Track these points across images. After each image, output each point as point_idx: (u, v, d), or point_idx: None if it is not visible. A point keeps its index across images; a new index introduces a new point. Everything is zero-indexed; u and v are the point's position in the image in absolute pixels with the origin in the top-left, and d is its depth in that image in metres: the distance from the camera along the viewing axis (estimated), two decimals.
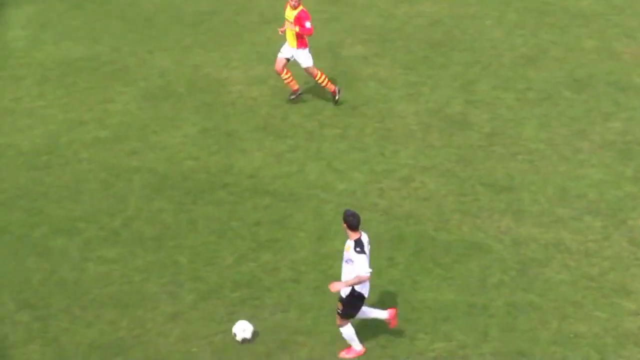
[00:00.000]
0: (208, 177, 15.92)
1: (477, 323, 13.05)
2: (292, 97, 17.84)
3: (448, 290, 13.58)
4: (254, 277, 13.79)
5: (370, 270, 11.91)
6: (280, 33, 17.59)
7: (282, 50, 17.53)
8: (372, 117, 17.48)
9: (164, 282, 13.72)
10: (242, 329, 12.59)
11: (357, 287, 12.02)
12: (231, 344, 12.64)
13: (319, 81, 17.67)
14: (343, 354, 12.51)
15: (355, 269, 11.84)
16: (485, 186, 15.68)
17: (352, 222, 11.87)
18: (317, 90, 18.09)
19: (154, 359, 12.46)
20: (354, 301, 12.08)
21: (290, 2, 17.16)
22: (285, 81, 17.77)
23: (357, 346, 12.47)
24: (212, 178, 15.91)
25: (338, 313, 12.20)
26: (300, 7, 17.16)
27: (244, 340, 12.59)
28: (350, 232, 11.97)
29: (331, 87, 17.71)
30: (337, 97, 17.69)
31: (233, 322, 12.91)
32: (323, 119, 17.42)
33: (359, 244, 11.88)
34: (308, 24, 17.16)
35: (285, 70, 17.63)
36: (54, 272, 13.83)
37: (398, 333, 12.84)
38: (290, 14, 17.31)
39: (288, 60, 17.54)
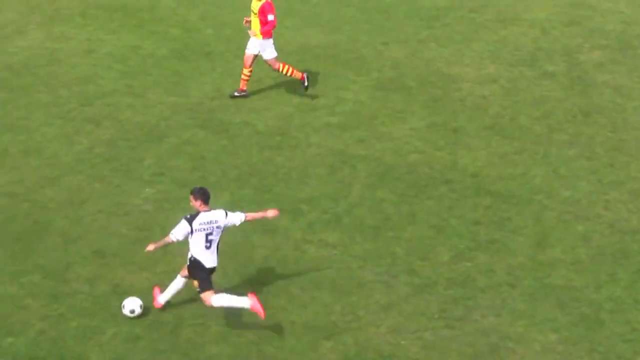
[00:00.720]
0: (431, 172, 15.57)
1: None
2: (236, 94, 17.27)
3: None
4: (468, 277, 13.33)
5: (177, 238, 11.78)
6: (245, 24, 17.11)
7: (248, 45, 17.06)
8: (604, 126, 16.50)
9: (379, 271, 13.52)
10: (130, 310, 12.37)
11: (193, 254, 11.88)
12: (440, 342, 12.28)
13: (284, 73, 17.06)
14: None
15: (172, 233, 11.84)
16: None
17: (204, 197, 11.85)
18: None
19: (364, 346, 12.28)
20: (193, 268, 11.90)
21: None
22: (243, 77, 17.22)
23: (244, 302, 11.99)
24: (436, 173, 15.54)
25: (199, 292, 12.00)
26: None
27: (138, 316, 12.42)
28: (203, 206, 11.84)
29: (297, 74, 17.09)
30: (306, 84, 17.12)
31: (444, 319, 12.55)
32: (553, 124, 16.62)
33: (194, 215, 11.81)
34: (271, 17, 16.59)
35: (250, 67, 17.14)
36: (277, 250, 13.94)
37: (615, 353, 12.01)
38: (255, 5, 16.75)
39: (256, 56, 17.06)
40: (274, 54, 17.15)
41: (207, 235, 11.91)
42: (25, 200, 14.48)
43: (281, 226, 14.38)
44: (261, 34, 16.90)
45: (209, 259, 12.08)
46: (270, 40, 17.06)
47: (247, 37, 17.29)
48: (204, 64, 18.60)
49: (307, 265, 13.67)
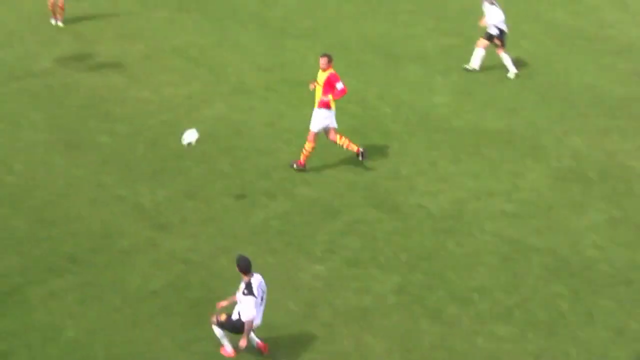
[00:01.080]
0: (610, 270, 14.73)
1: None
2: (360, 158, 16.97)
3: None
4: None
5: (254, 314, 12.29)
6: (311, 89, 16.85)
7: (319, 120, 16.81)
8: None
9: None
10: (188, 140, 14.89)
11: (241, 316, 12.41)
12: None
13: (304, 149, 16.85)
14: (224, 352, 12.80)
15: (242, 311, 12.37)
16: None
17: (243, 266, 12.38)
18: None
19: None
20: (234, 324, 12.52)
21: (321, 64, 16.31)
22: (344, 146, 16.92)
23: (228, 347, 12.75)
24: (615, 271, 14.69)
25: (219, 320, 12.61)
26: (330, 70, 16.33)
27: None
28: (242, 275, 12.44)
29: (306, 154, 16.81)
30: (295, 167, 16.86)
31: None
32: None
33: (248, 286, 12.36)
34: (340, 85, 16.34)
35: (339, 137, 16.84)
36: (444, 339, 13.44)
37: None
38: (320, 76, 16.48)
39: (334, 128, 16.79)
40: (317, 129, 16.78)
41: (262, 297, 12.53)
42: (201, 268, 14.62)
43: (450, 313, 13.90)
44: (321, 103, 16.57)
45: (256, 317, 12.54)
46: (326, 112, 16.61)
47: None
48: (380, 142, 18.49)
49: (475, 357, 13.10)
